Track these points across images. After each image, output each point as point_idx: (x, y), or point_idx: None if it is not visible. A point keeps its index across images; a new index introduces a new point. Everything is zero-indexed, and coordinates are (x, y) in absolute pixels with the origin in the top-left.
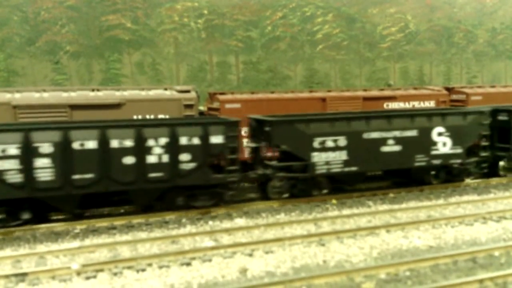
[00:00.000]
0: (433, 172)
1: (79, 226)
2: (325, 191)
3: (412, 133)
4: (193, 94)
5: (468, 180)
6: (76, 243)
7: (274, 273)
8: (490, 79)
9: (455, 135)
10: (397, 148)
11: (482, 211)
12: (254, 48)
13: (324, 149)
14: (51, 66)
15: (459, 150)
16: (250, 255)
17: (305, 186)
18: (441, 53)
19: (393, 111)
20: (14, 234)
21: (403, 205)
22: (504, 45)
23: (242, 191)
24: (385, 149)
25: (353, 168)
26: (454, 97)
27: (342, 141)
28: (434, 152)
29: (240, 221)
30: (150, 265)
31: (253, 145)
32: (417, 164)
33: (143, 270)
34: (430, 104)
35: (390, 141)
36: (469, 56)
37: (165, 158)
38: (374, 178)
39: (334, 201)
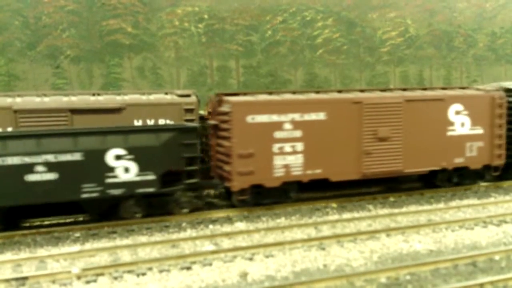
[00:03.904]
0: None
1: (79, 230)
2: None
3: (74, 157)
4: (193, 99)
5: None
6: (76, 247)
7: (275, 277)
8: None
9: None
10: (51, 176)
11: (482, 215)
12: (255, 52)
13: None
14: (52, 70)
15: (150, 177)
16: (251, 259)
17: None
18: (441, 57)
19: (46, 130)
20: (14, 238)
21: (404, 209)
22: (504, 50)
23: None
24: (31, 177)
25: None
26: None
27: None
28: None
29: (240, 225)
30: (150, 269)
31: None
32: (85, 195)
33: (144, 274)
34: None
35: (40, 168)
36: (469, 60)
37: None
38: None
39: (334, 205)
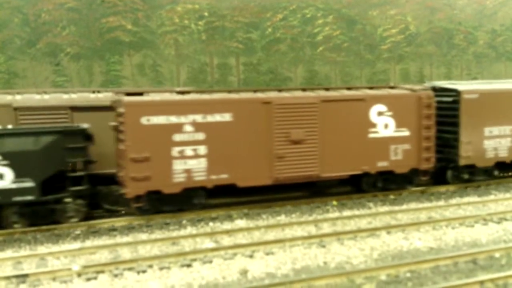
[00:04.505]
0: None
1: (79, 228)
2: None
3: None
4: None
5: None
6: (76, 245)
7: (275, 274)
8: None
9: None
10: None
11: (482, 213)
12: (255, 50)
13: None
14: (52, 68)
15: (28, 184)
16: (251, 256)
17: None
18: (441, 54)
19: None
20: (15, 235)
21: (404, 207)
22: (504, 47)
23: None
24: None
25: None
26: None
27: None
28: None
29: (240, 223)
30: (150, 266)
31: None
32: None
33: (144, 271)
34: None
35: None
36: (469, 57)
37: None
38: None
39: (334, 202)
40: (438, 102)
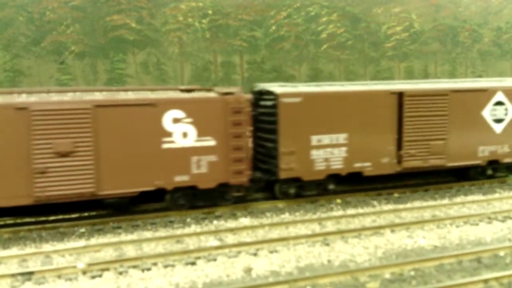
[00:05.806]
0: None
1: (84, 226)
2: None
3: None
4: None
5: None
6: (81, 243)
7: (279, 272)
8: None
9: None
10: None
11: (487, 211)
12: (259, 48)
13: None
14: (57, 66)
15: None
16: (255, 254)
17: None
18: (446, 52)
19: None
20: (20, 233)
21: (408, 205)
22: (510, 45)
23: None
24: None
25: None
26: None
27: None
28: None
29: (244, 221)
30: (155, 264)
31: None
32: None
33: (148, 269)
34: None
35: None
36: (474, 55)
37: None
38: None
39: (338, 200)
40: (262, 106)
